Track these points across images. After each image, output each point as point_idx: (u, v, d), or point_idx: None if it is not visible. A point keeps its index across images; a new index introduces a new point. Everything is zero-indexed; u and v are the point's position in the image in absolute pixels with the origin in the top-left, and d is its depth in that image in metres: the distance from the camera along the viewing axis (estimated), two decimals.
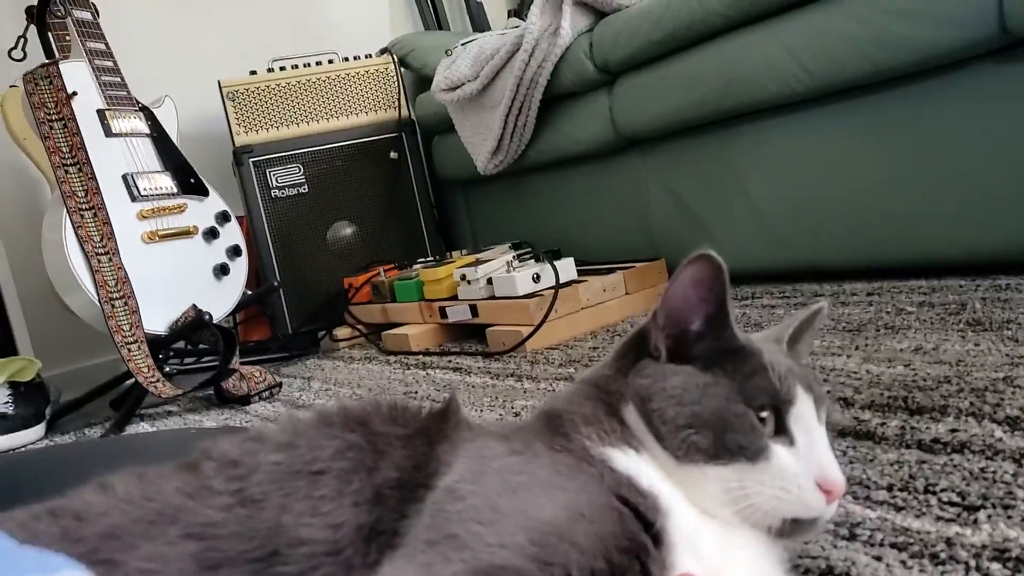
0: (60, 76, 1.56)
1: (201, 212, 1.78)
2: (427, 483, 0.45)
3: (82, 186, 1.49)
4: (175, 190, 1.74)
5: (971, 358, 0.94)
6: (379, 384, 1.50)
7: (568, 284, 1.63)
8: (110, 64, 1.74)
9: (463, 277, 1.71)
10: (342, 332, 2.05)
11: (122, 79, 1.76)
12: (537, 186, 2.18)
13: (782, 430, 0.46)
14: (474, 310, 1.67)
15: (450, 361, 1.59)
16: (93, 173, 1.49)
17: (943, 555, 0.54)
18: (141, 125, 1.75)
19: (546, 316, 1.51)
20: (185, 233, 1.73)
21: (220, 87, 2.18)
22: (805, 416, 0.47)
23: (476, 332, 1.69)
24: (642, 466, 0.45)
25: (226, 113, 2.18)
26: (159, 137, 1.77)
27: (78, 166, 1.49)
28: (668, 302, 0.49)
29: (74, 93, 1.57)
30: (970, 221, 1.34)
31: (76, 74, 1.67)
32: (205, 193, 1.81)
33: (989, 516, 0.57)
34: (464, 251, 2.08)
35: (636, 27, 1.72)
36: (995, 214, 1.30)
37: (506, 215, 2.33)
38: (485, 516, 0.41)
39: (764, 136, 1.62)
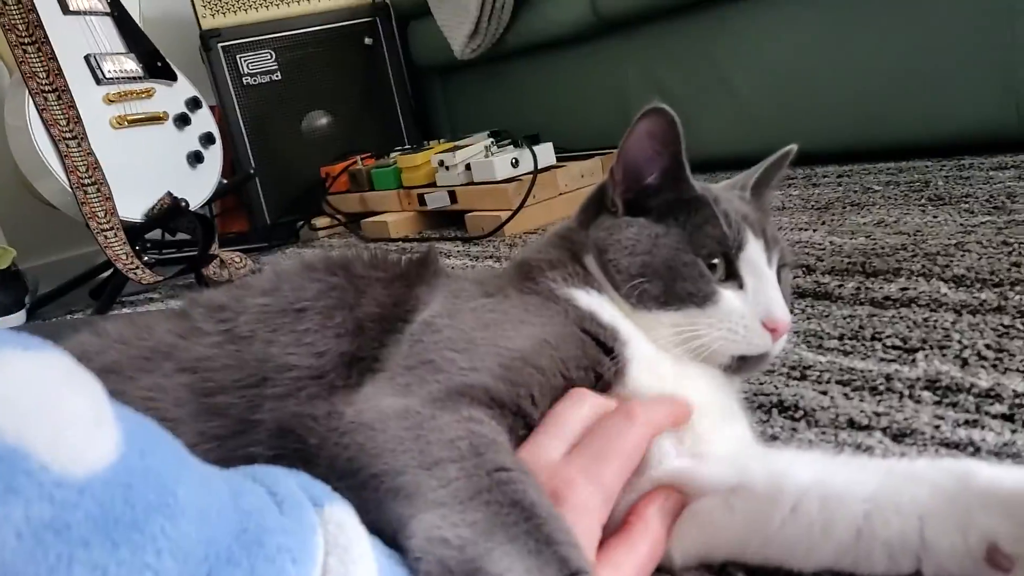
0: None
1: (170, 97, 1.74)
2: (406, 318, 0.49)
3: (42, 66, 1.44)
4: (141, 73, 1.69)
5: (928, 228, 0.98)
6: None
7: (547, 170, 1.63)
8: None
9: (441, 163, 1.71)
10: (321, 221, 2.05)
11: None
12: (516, 72, 2.14)
13: (732, 275, 0.48)
14: (453, 196, 1.68)
15: (429, 247, 1.61)
16: (53, 53, 1.44)
17: (881, 387, 0.59)
18: (99, 3, 1.68)
19: (524, 201, 1.52)
20: (155, 119, 1.69)
21: None
22: (754, 260, 0.48)
23: (455, 219, 1.71)
24: (604, 304, 0.49)
25: None
26: (120, 17, 1.70)
27: (36, 44, 1.44)
28: (623, 156, 0.51)
29: None
30: (938, 103, 1.35)
31: None
32: (173, 78, 1.76)
33: (926, 355, 0.62)
34: (441, 140, 2.07)
35: None
36: (961, 96, 1.32)
37: (484, 103, 2.30)
38: (460, 345, 0.44)
39: (743, 20, 1.60)
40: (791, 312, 0.50)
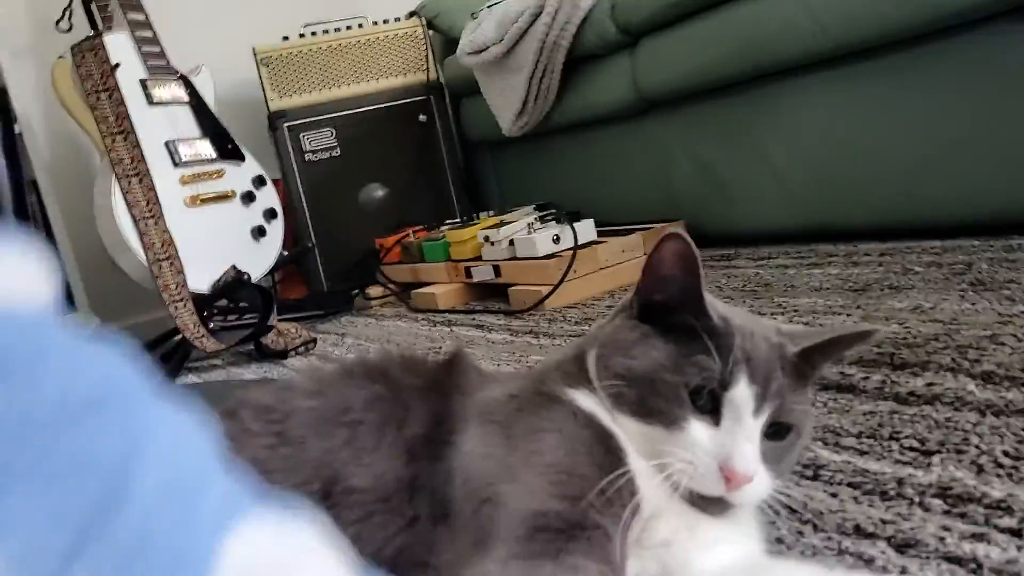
0: (104, 48, 1.65)
1: (238, 176, 1.87)
2: (448, 439, 0.51)
3: (128, 153, 1.59)
4: (214, 155, 1.83)
5: (964, 316, 0.98)
6: (407, 340, 1.59)
7: (587, 245, 1.68)
8: (150, 34, 1.83)
9: (487, 238, 1.77)
10: (374, 291, 2.14)
11: (161, 48, 1.84)
12: (562, 148, 2.22)
13: (715, 411, 0.48)
14: (497, 270, 1.74)
15: (473, 319, 1.66)
16: (138, 141, 1.59)
17: (892, 492, 0.59)
18: (181, 93, 1.84)
19: (564, 276, 1.57)
20: (224, 197, 1.82)
21: (254, 53, 2.25)
22: (738, 404, 0.47)
23: (499, 291, 1.76)
24: (598, 406, 0.50)
25: (260, 79, 2.26)
26: (197, 104, 1.86)
27: (124, 134, 1.59)
28: (648, 264, 0.52)
29: (118, 64, 1.66)
30: (984, 182, 1.35)
31: (119, 45, 1.75)
32: (242, 158, 1.89)
33: (942, 459, 0.63)
34: (491, 212, 2.14)
35: None
36: (1008, 176, 1.31)
37: (532, 176, 2.38)
38: (506, 475, 0.47)
39: (783, 97, 1.63)
40: (789, 481, 0.48)
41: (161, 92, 1.77)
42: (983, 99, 1.32)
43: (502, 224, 1.78)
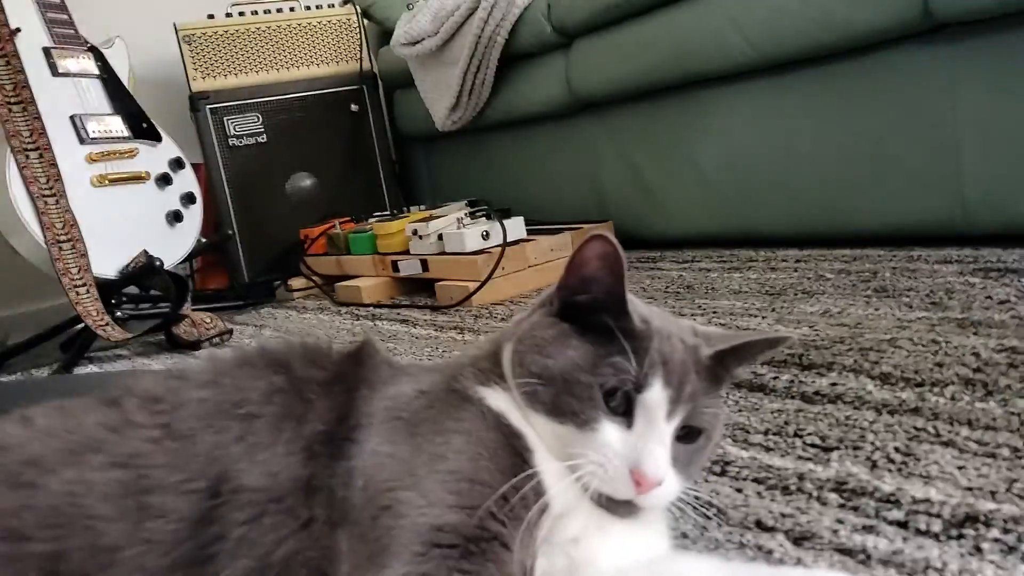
0: (3, 11, 1.53)
1: (154, 157, 1.79)
2: (351, 436, 0.48)
3: (27, 126, 1.49)
4: (126, 134, 1.74)
5: (868, 321, 1.02)
6: (328, 334, 1.55)
7: (517, 243, 1.68)
8: (56, 0, 1.72)
9: (415, 232, 1.75)
10: (297, 282, 2.08)
11: (70, 17, 1.74)
12: (495, 145, 2.21)
13: (629, 412, 0.47)
14: (425, 265, 1.72)
15: (399, 313, 1.64)
16: (38, 113, 1.49)
17: (793, 487, 0.61)
18: (91, 66, 1.74)
19: (492, 273, 1.56)
20: (137, 178, 1.73)
21: (176, 30, 2.15)
22: (651, 407, 0.46)
23: (426, 286, 1.74)
24: (510, 404, 0.49)
25: (182, 57, 2.16)
26: (110, 79, 1.76)
27: (22, 105, 1.49)
28: (572, 263, 0.50)
29: (17, 29, 1.55)
30: (892, 195, 1.42)
31: (19, 9, 1.64)
32: (158, 138, 1.81)
33: (840, 456, 0.65)
34: (422, 207, 2.12)
35: None
36: (914, 190, 1.38)
37: (464, 172, 2.37)
38: (407, 481, 0.45)
39: (711, 106, 1.67)
40: (698, 480, 0.49)
41: (67, 63, 1.67)
42: (890, 117, 1.38)
43: (432, 218, 1.76)
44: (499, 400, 0.49)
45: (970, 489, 0.56)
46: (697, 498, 0.60)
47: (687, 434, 0.48)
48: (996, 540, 0.49)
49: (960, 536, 0.51)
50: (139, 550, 0.43)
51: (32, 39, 1.63)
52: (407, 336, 1.41)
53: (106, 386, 0.54)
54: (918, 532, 0.52)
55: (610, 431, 0.46)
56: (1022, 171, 1.24)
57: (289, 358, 0.54)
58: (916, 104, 1.34)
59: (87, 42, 1.76)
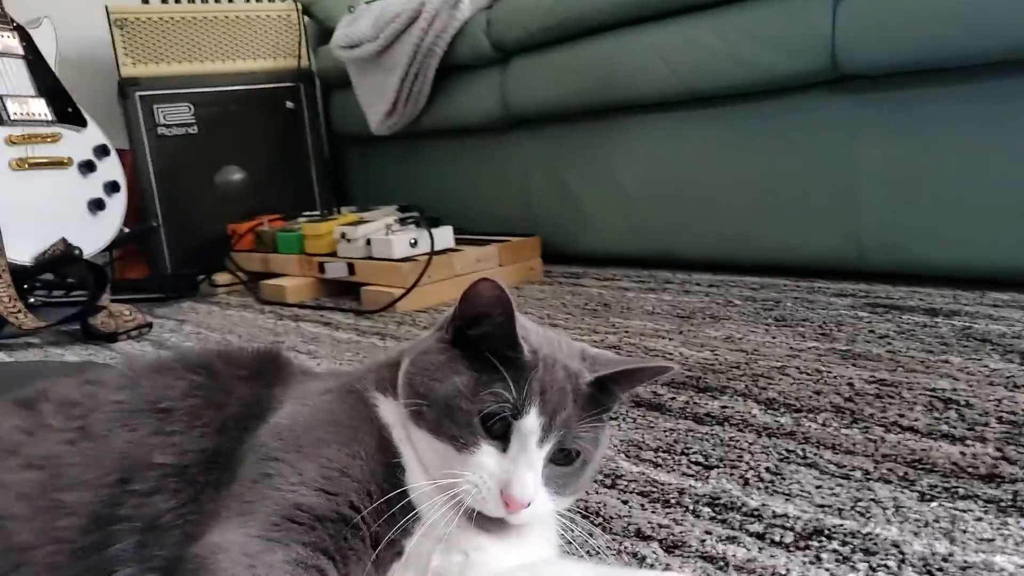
0: None
1: (78, 143, 1.74)
2: (263, 416, 0.53)
3: None
4: (50, 117, 1.69)
5: (764, 348, 1.10)
6: (250, 332, 1.55)
7: (444, 252, 1.71)
8: None
9: (343, 235, 1.76)
10: (221, 278, 2.05)
11: None
12: (429, 152, 2.24)
13: (506, 436, 0.50)
14: (351, 268, 1.73)
15: (322, 316, 1.64)
16: None
17: (673, 501, 0.67)
18: (14, 45, 1.68)
19: (417, 280, 1.59)
20: (59, 163, 1.68)
21: (108, 13, 2.09)
22: (526, 434, 0.50)
23: (352, 289, 1.75)
24: (397, 418, 0.53)
25: (113, 42, 2.11)
26: (34, 60, 1.71)
27: None
28: (463, 300, 0.53)
29: None
30: (797, 229, 1.52)
31: None
32: (83, 124, 1.76)
33: (718, 473, 0.71)
34: (353, 208, 2.13)
35: (531, 11, 1.80)
36: (816, 226, 1.49)
37: (397, 177, 2.38)
38: (291, 457, 0.50)
39: (638, 131, 1.75)
40: (574, 494, 0.53)
41: None
42: (797, 157, 1.49)
43: (361, 222, 1.77)
44: (389, 411, 0.53)
45: (822, 506, 0.63)
46: (586, 509, 0.66)
47: (565, 457, 0.52)
48: (834, 551, 0.56)
49: (806, 547, 0.57)
50: (50, 549, 0.46)
51: None
52: (329, 339, 1.42)
53: (17, 379, 0.56)
54: (772, 543, 0.58)
55: (486, 454, 0.50)
56: (913, 216, 1.35)
57: (210, 361, 0.58)
58: (821, 147, 1.45)
59: (13, 21, 1.71)
